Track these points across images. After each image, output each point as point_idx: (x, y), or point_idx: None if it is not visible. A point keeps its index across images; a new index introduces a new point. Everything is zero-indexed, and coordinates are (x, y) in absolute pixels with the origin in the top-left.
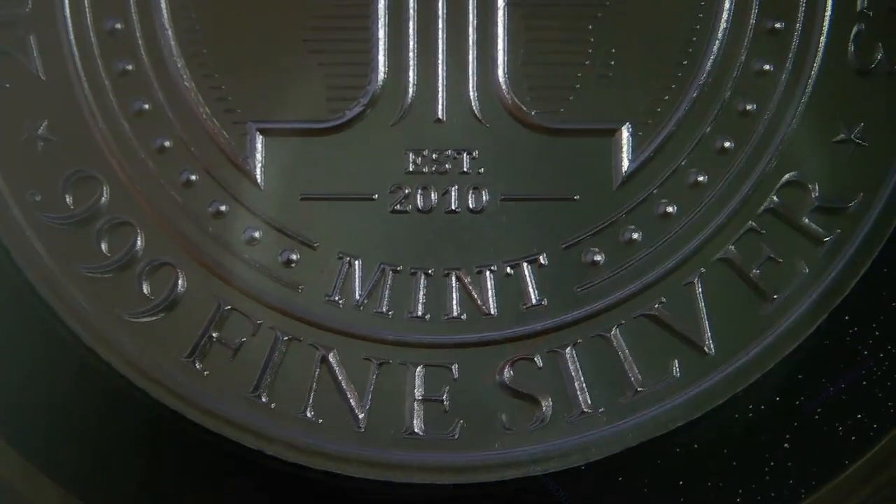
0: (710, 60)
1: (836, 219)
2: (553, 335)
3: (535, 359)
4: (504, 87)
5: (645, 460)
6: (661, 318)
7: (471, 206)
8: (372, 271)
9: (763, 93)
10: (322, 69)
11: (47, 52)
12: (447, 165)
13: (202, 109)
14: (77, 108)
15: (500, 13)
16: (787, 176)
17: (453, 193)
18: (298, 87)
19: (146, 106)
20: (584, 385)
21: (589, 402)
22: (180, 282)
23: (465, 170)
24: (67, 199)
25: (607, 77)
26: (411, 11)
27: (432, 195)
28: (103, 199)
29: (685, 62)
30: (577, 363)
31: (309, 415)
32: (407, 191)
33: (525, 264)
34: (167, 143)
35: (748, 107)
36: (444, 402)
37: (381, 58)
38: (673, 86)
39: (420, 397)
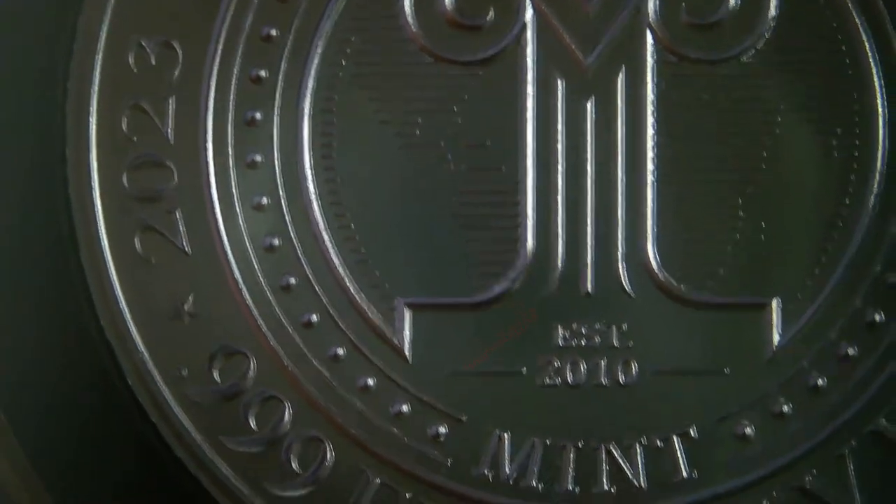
0: (861, 234)
1: None
2: None
3: None
4: (653, 260)
5: None
6: (812, 491)
7: (620, 380)
8: (521, 445)
9: None
10: (470, 244)
11: (193, 226)
12: (596, 339)
13: (349, 284)
14: (224, 282)
15: (650, 188)
16: None
17: (602, 367)
18: (447, 263)
19: (293, 280)
20: None
21: None
22: (328, 456)
23: (614, 344)
24: (214, 374)
25: (757, 251)
26: (560, 186)
27: (582, 369)
28: (250, 373)
29: (835, 235)
30: None
31: None
32: (556, 364)
33: (675, 438)
34: (314, 318)
35: None
36: None
37: (530, 232)
38: (823, 259)
39: None
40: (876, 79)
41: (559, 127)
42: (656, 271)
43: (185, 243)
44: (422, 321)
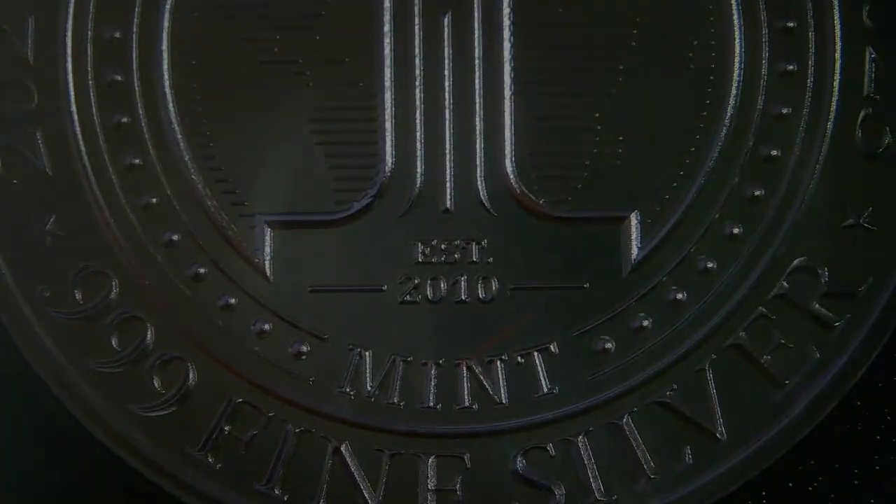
0: (718, 147)
1: (847, 303)
2: (565, 423)
3: (548, 447)
4: (512, 176)
5: None
6: (672, 405)
7: (480, 295)
8: (382, 362)
9: (771, 178)
10: (329, 160)
11: (54, 147)
12: (456, 255)
13: (210, 203)
14: (85, 202)
15: (507, 102)
16: (796, 261)
17: (463, 283)
18: (306, 179)
19: (154, 200)
20: (598, 473)
21: (602, 490)
22: (191, 375)
23: (474, 259)
24: (77, 295)
25: (615, 165)
26: (418, 102)
27: (442, 285)
28: (112, 293)
29: (693, 149)
30: (590, 451)
31: None
32: (416, 281)
33: (536, 353)
34: (175, 237)
35: (756, 192)
36: (458, 493)
37: (389, 148)
38: (681, 172)
39: (433, 488)
40: None
41: (416, 42)
42: (515, 186)
43: (45, 163)
44: (282, 238)
